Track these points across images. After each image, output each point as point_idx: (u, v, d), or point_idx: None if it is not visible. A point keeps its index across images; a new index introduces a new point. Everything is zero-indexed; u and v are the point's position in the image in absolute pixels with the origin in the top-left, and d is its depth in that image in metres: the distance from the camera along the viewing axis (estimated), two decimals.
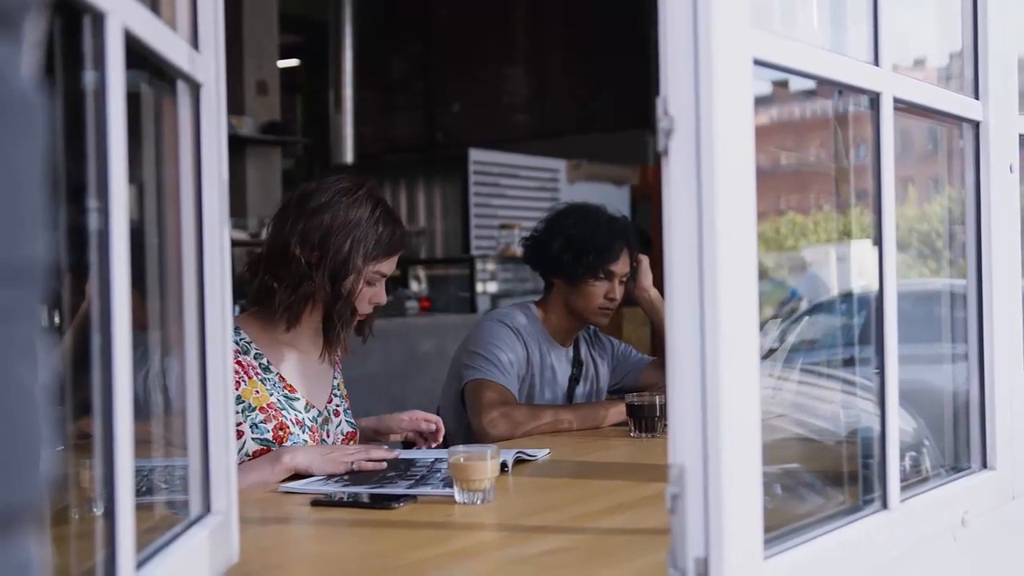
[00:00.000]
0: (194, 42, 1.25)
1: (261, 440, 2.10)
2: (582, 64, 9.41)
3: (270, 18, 7.37)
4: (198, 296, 1.27)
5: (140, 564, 1.02)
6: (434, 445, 2.32)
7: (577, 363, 2.92)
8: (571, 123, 9.28)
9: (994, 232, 1.71)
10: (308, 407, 2.20)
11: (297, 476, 1.98)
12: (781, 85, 1.39)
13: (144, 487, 1.27)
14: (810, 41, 1.42)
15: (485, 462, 1.74)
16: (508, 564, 1.44)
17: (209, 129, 1.27)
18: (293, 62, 9.87)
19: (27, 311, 0.53)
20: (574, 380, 2.90)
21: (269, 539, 1.62)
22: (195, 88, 1.25)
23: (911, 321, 1.66)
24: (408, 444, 2.39)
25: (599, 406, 2.72)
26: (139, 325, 1.14)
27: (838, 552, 1.32)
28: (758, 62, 1.15)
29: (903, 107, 1.49)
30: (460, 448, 1.81)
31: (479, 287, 7.15)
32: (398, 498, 1.76)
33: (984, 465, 1.72)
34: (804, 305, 1.88)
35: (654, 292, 2.89)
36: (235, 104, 6.94)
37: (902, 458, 1.53)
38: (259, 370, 2.15)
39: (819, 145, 1.77)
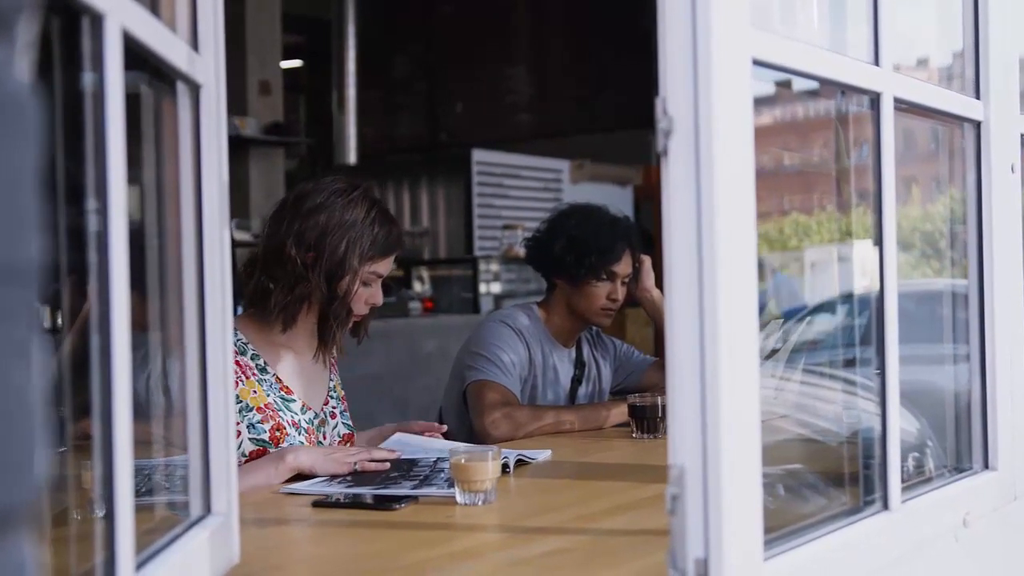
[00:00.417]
0: (194, 43, 1.25)
1: (257, 440, 2.10)
2: (585, 63, 9.41)
3: (273, 18, 7.37)
4: (198, 298, 1.27)
5: (140, 565, 1.02)
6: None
7: (579, 364, 2.92)
8: (574, 123, 9.28)
9: (995, 232, 1.71)
10: (304, 409, 2.20)
11: (299, 476, 1.98)
12: (784, 85, 1.39)
13: (144, 488, 1.27)
14: (810, 41, 1.41)
15: (486, 463, 1.74)
16: (509, 565, 1.44)
17: (209, 130, 1.27)
18: (296, 63, 9.87)
19: (21, 312, 0.53)
20: (576, 381, 2.90)
21: (270, 540, 1.62)
22: (195, 89, 1.26)
23: (914, 321, 1.66)
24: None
25: (601, 407, 2.72)
26: (139, 327, 1.14)
27: (839, 553, 1.31)
28: (757, 62, 1.15)
29: (904, 107, 1.49)
30: (461, 449, 1.80)
31: (482, 288, 7.15)
32: (399, 499, 1.76)
33: (986, 466, 1.72)
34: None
35: (656, 293, 2.89)
36: (238, 105, 6.94)
37: (905, 459, 1.53)
38: (256, 371, 2.15)
39: (823, 145, 1.77)
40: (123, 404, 0.93)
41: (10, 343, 0.53)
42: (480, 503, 1.73)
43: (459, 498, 1.74)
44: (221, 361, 1.29)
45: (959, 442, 1.76)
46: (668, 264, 1.09)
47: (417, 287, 7.26)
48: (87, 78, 0.93)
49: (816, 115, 1.69)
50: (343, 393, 2.36)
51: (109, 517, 0.93)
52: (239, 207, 6.62)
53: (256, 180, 7.22)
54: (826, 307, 2.00)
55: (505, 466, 1.99)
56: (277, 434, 2.12)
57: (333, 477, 1.96)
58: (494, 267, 7.26)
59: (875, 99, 1.43)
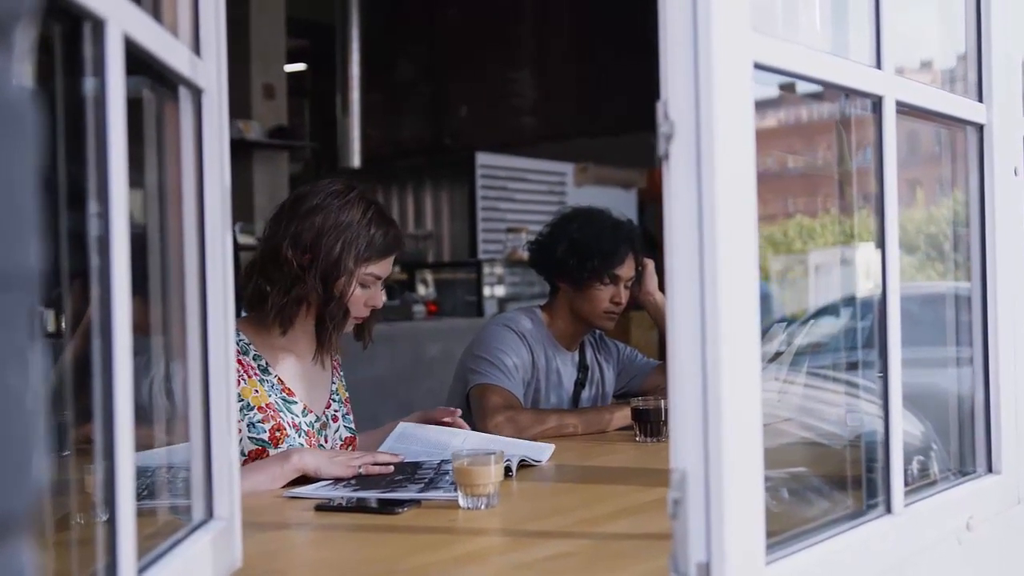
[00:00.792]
0: (196, 48, 1.25)
1: (257, 440, 2.10)
2: (588, 66, 9.40)
3: (277, 22, 7.37)
4: (200, 302, 1.27)
5: (142, 570, 1.02)
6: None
7: (583, 367, 2.92)
8: (578, 126, 9.27)
9: (998, 235, 1.71)
10: (306, 411, 2.20)
11: (303, 479, 1.97)
12: (788, 88, 1.39)
13: (146, 490, 1.27)
14: (812, 44, 1.41)
15: (489, 467, 1.74)
16: (512, 569, 1.43)
17: (211, 134, 1.27)
18: (300, 66, 9.88)
19: (19, 317, 0.53)
20: (580, 384, 2.90)
21: (272, 544, 1.62)
22: (197, 93, 1.26)
23: (918, 324, 1.65)
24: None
25: (604, 410, 2.72)
26: (142, 331, 1.14)
27: (841, 557, 1.31)
28: (758, 66, 1.15)
29: (906, 110, 1.49)
30: (464, 452, 1.80)
31: (486, 291, 7.15)
32: (402, 503, 1.76)
33: (989, 469, 1.71)
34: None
35: (659, 296, 2.88)
36: (242, 108, 6.94)
37: (909, 462, 1.53)
38: (258, 371, 2.15)
39: (827, 148, 1.77)
40: (125, 408, 0.93)
41: (9, 349, 0.53)
42: (483, 507, 1.73)
43: (462, 502, 1.74)
44: (223, 366, 1.29)
45: (962, 445, 1.76)
46: (669, 267, 1.09)
47: (421, 290, 7.25)
48: (89, 83, 0.93)
49: (820, 118, 1.69)
50: (347, 396, 2.36)
51: (111, 521, 0.93)
52: (243, 211, 6.62)
53: (260, 184, 7.22)
54: (830, 310, 2.00)
55: (508, 469, 1.99)
56: (277, 434, 2.12)
57: (337, 481, 1.96)
58: (498, 270, 7.26)
59: (877, 102, 1.42)
